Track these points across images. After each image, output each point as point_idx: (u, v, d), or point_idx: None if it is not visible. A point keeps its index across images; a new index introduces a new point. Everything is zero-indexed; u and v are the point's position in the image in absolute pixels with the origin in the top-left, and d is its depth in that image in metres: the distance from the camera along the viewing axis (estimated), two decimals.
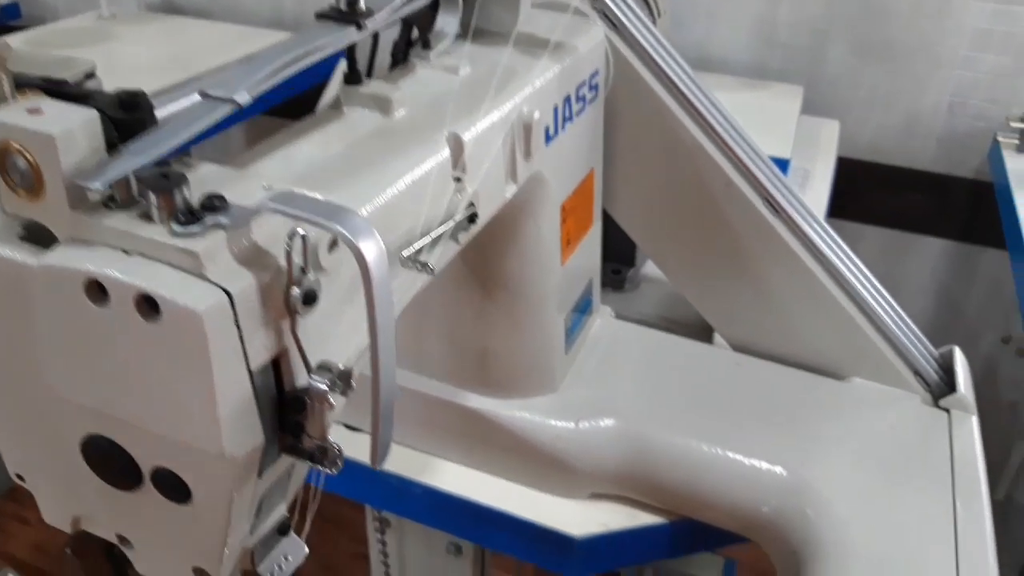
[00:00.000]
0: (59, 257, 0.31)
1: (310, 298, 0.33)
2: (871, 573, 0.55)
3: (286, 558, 0.40)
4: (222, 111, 0.35)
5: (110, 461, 0.35)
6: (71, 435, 0.35)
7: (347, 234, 0.30)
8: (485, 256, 0.60)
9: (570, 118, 0.61)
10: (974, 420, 0.69)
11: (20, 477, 0.41)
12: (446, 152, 0.44)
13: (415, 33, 0.54)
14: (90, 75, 1.15)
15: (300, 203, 0.31)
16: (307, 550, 0.41)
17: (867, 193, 1.56)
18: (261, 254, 0.32)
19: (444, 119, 0.46)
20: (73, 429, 0.35)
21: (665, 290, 0.86)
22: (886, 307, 0.73)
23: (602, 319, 0.76)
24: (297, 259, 0.32)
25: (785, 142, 1.21)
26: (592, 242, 0.71)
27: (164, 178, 0.31)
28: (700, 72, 1.52)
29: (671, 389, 0.69)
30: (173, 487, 0.34)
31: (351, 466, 0.68)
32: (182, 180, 0.31)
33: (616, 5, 0.66)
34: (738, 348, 0.76)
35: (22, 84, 0.35)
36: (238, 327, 0.31)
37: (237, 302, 0.30)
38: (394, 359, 0.33)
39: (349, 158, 0.41)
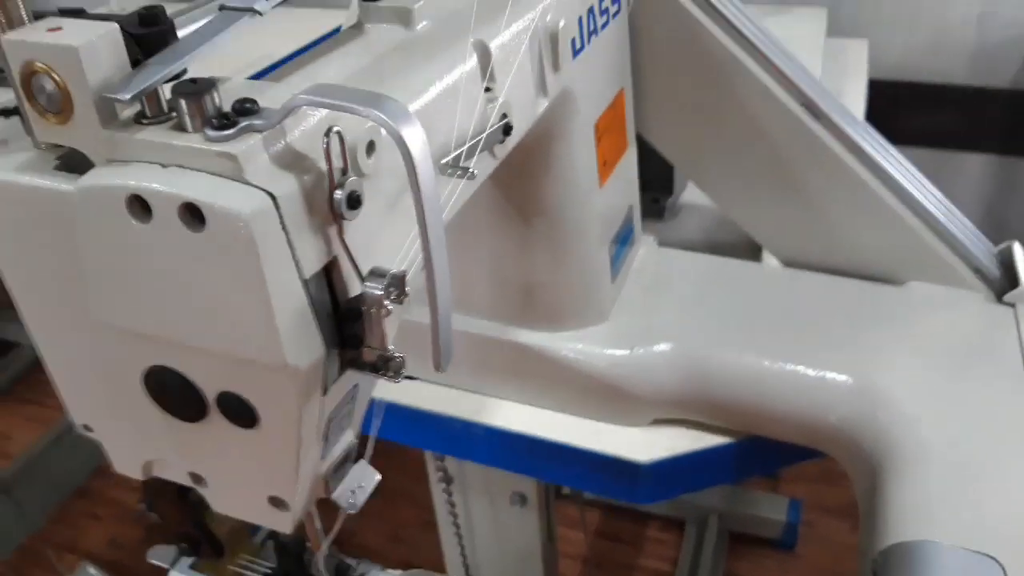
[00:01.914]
0: (96, 177, 0.30)
1: (354, 201, 0.31)
2: (951, 471, 0.54)
3: (359, 485, 0.40)
4: (242, 19, 0.34)
5: (174, 392, 0.34)
6: (131, 371, 0.35)
7: (388, 119, 0.29)
8: (522, 182, 0.58)
9: (595, 31, 0.59)
10: None
11: (88, 428, 0.41)
12: (474, 60, 0.43)
13: None
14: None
15: (335, 92, 0.29)
16: (379, 476, 0.41)
17: (900, 114, 1.52)
18: (300, 156, 0.31)
19: (468, 29, 0.44)
20: (133, 364, 0.35)
21: (706, 214, 0.84)
22: (939, 205, 0.70)
23: (646, 248, 0.74)
24: (336, 161, 0.31)
25: (813, 66, 1.17)
26: (628, 166, 0.69)
27: (192, 83, 0.30)
28: None
29: (724, 309, 0.68)
30: (239, 411, 0.34)
31: (410, 413, 0.68)
32: (211, 85, 0.30)
33: None
34: (789, 264, 0.74)
35: (39, 16, 0.34)
36: (285, 232, 0.30)
37: (282, 204, 0.29)
38: (446, 254, 0.32)
39: (376, 71, 0.40)
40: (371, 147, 0.33)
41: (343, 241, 0.32)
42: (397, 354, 0.34)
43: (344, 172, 0.31)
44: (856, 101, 1.25)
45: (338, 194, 0.31)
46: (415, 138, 0.29)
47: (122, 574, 1.71)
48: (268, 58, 1.42)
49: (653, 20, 0.67)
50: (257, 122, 0.30)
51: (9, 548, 1.79)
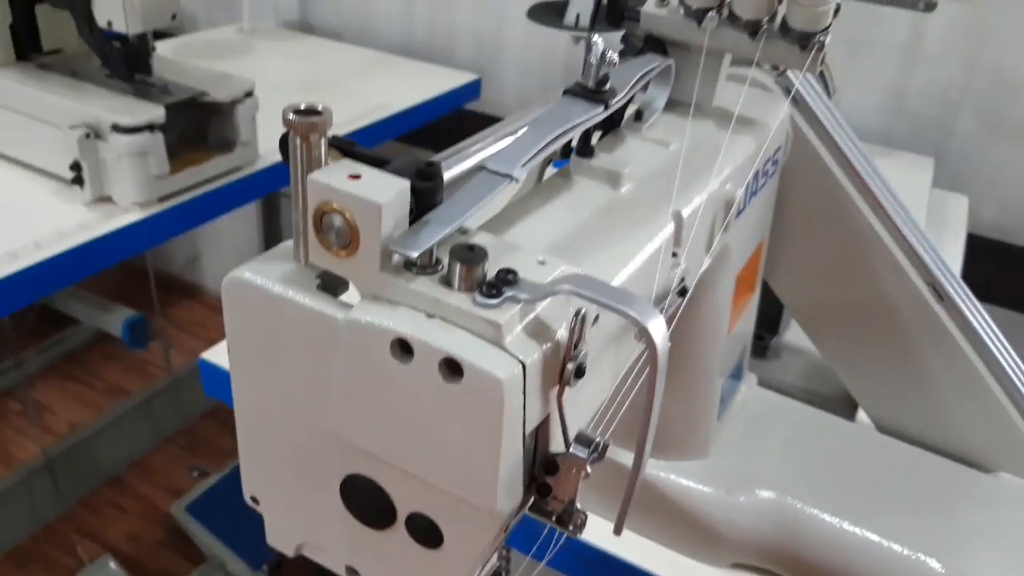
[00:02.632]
0: (368, 313, 0.34)
1: (581, 371, 0.35)
2: None
3: None
4: (502, 186, 0.38)
5: (369, 501, 0.37)
6: (334, 472, 0.38)
7: (639, 318, 0.32)
8: None
9: (755, 192, 0.62)
10: None
11: (255, 500, 0.44)
12: (671, 229, 0.46)
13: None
14: (248, 93, 1.21)
15: (592, 287, 0.33)
16: None
17: (991, 271, 1.53)
18: (545, 327, 0.34)
19: (664, 195, 0.48)
20: (338, 467, 0.38)
21: (807, 360, 0.86)
22: None
23: (748, 386, 0.77)
24: (575, 334, 0.34)
25: (919, 216, 1.19)
26: (751, 310, 0.72)
27: (470, 251, 0.33)
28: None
29: (819, 466, 0.70)
30: (427, 532, 0.37)
31: None
32: (484, 255, 0.34)
33: (800, 82, 0.68)
34: (882, 428, 0.76)
35: None
36: (524, 395, 0.33)
37: (528, 372, 0.32)
38: (654, 438, 0.35)
39: (587, 231, 0.44)
40: (596, 319, 0.37)
41: (560, 403, 0.35)
42: (582, 511, 0.37)
43: (577, 345, 0.35)
44: (954, 255, 1.27)
45: (570, 365, 0.34)
46: (659, 333, 0.32)
47: (137, 570, 1.74)
48: (388, 107, 1.47)
49: (800, 177, 0.70)
50: (519, 295, 0.33)
51: (37, 525, 1.83)
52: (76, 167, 1.10)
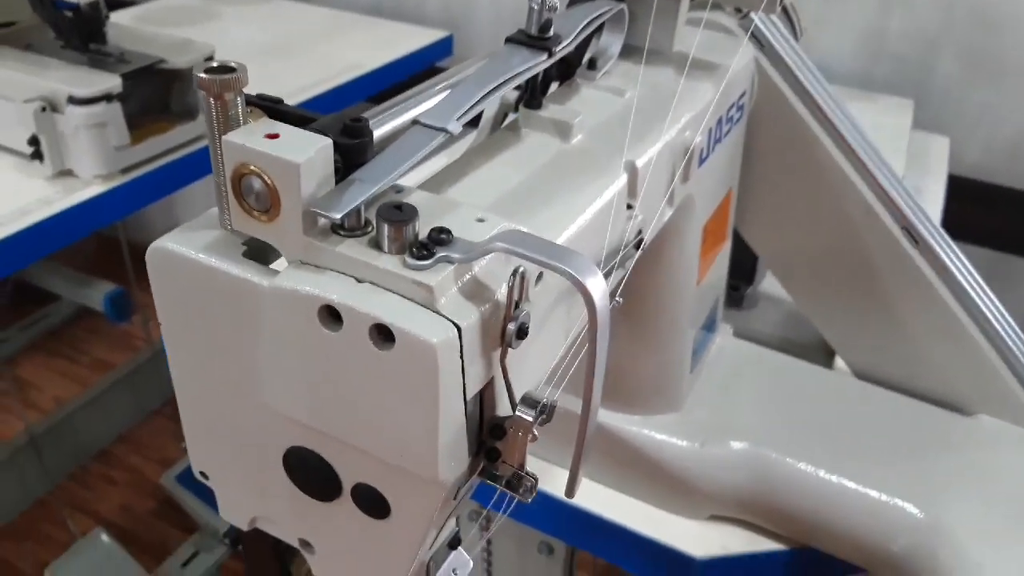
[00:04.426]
0: (293, 280, 0.32)
1: (523, 332, 0.33)
2: None
3: (454, 571, 0.41)
4: (437, 140, 0.36)
5: (312, 473, 0.36)
6: (274, 445, 0.37)
7: (576, 275, 0.30)
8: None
9: (720, 139, 0.60)
10: None
11: (204, 475, 0.43)
12: (624, 180, 0.44)
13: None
14: (209, 58, 1.19)
15: (529, 244, 0.31)
16: (472, 564, 0.42)
17: (974, 213, 1.52)
18: (482, 287, 0.33)
19: (617, 145, 0.46)
20: (278, 439, 0.36)
21: (784, 309, 0.85)
22: (1018, 343, 0.71)
23: (722, 337, 0.76)
24: (515, 294, 0.33)
25: (898, 159, 1.18)
26: (722, 260, 0.70)
27: (398, 210, 0.32)
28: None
29: (795, 415, 0.69)
30: (373, 502, 0.35)
31: None
32: (414, 214, 0.32)
33: (764, 24, 0.65)
34: (860, 374, 0.75)
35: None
36: (462, 359, 0.31)
37: (464, 335, 0.31)
38: (600, 396, 0.33)
39: (536, 185, 0.42)
40: (540, 277, 0.35)
41: (504, 365, 0.34)
42: (532, 474, 0.35)
43: (517, 305, 0.33)
44: (935, 198, 1.26)
45: (511, 326, 0.33)
46: (599, 291, 0.31)
47: (131, 542, 1.74)
48: (358, 67, 1.44)
49: (768, 123, 0.68)
50: (453, 255, 0.31)
51: (27, 502, 1.83)
52: (34, 141, 1.07)
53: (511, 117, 0.49)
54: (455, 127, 0.36)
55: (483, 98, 0.39)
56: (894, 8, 1.46)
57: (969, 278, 0.69)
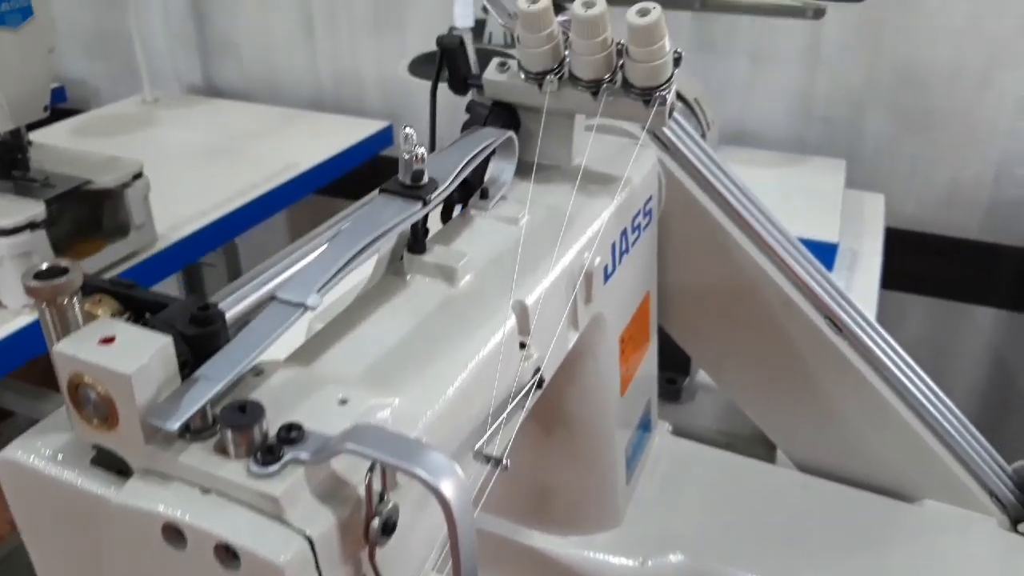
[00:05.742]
0: (135, 495, 0.30)
1: (390, 528, 0.31)
2: None
3: None
4: (296, 316, 0.34)
5: None
6: None
7: (428, 478, 0.28)
8: (544, 398, 0.58)
9: (627, 250, 0.59)
10: None
11: None
12: (512, 321, 0.43)
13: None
14: (137, 175, 1.16)
15: (377, 442, 0.29)
16: None
17: (914, 263, 1.54)
18: (340, 485, 0.31)
19: (506, 282, 0.45)
20: None
21: (723, 399, 0.84)
22: (955, 423, 0.70)
23: (660, 437, 0.74)
24: (376, 485, 0.31)
25: (832, 224, 1.19)
26: (649, 363, 0.69)
27: (241, 412, 0.30)
28: (738, 147, 1.52)
29: (738, 518, 0.67)
30: None
31: None
32: (259, 415, 0.30)
33: (669, 126, 0.65)
34: (802, 466, 0.73)
35: (89, 288, 0.35)
36: (318, 571, 0.29)
37: (318, 546, 0.29)
38: None
39: (419, 339, 0.40)
40: None
41: (373, 565, 0.32)
42: None
43: (382, 498, 0.31)
44: (872, 257, 1.27)
45: (375, 523, 0.31)
46: (455, 493, 0.29)
47: None
48: (299, 164, 1.44)
49: (679, 223, 0.68)
50: (302, 455, 0.30)
51: None
52: None
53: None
54: (314, 300, 0.35)
55: (349, 262, 0.37)
56: (819, 71, 1.49)
57: (899, 361, 0.68)
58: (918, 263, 1.54)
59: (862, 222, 1.36)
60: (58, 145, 1.24)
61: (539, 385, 0.45)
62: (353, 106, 1.85)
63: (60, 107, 2.07)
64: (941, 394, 0.70)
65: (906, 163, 1.49)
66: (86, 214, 1.19)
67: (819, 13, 1.23)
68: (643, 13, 0.49)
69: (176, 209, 1.33)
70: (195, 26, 1.95)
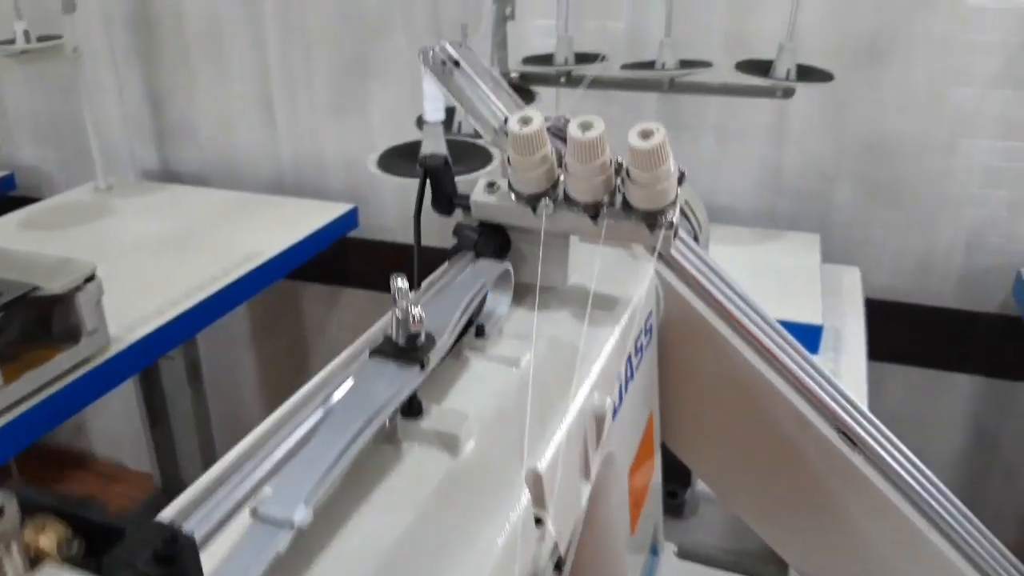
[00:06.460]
0: None
1: None
2: None
3: None
4: (281, 539, 0.29)
5: None
6: None
7: None
8: None
9: (632, 376, 0.55)
10: None
11: None
12: (526, 497, 0.38)
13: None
14: (90, 278, 1.09)
15: None
16: None
17: (890, 333, 1.52)
18: None
19: (515, 442, 0.40)
20: None
21: (727, 512, 0.79)
22: (975, 534, 0.66)
23: (666, 561, 0.69)
24: None
25: (814, 306, 1.16)
26: (656, 488, 0.64)
27: None
28: (710, 224, 1.48)
29: None
30: None
31: None
32: None
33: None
34: None
35: (32, 506, 0.29)
36: None
37: None
38: None
39: (415, 532, 0.35)
40: None
41: None
42: None
43: None
44: (857, 333, 1.24)
45: None
46: None
47: None
48: (261, 253, 1.36)
49: (679, 335, 0.64)
50: None
51: None
52: None
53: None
54: (302, 517, 0.29)
55: (343, 454, 0.32)
56: (786, 145, 1.49)
57: (919, 476, 0.64)
58: (894, 332, 1.52)
59: (841, 297, 1.34)
60: (4, 245, 1.17)
61: (558, 566, 0.40)
62: (315, 188, 1.80)
63: (10, 195, 1.99)
64: (958, 503, 0.66)
65: (879, 233, 1.48)
66: (34, 320, 1.12)
67: (788, 93, 1.23)
68: (646, 136, 0.45)
69: (131, 307, 1.26)
70: (150, 109, 1.89)
